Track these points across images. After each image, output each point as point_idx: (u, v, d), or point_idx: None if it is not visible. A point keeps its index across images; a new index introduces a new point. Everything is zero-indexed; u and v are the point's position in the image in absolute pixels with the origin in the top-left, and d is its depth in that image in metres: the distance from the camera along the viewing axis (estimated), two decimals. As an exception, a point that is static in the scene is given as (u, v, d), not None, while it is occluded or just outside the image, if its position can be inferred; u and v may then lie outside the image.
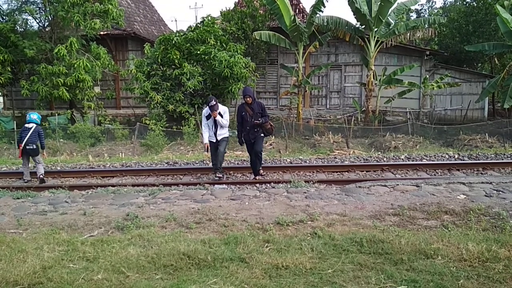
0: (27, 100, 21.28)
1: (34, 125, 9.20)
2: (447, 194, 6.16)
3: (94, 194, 6.84)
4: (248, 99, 7.98)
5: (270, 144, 15.10)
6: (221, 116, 8.11)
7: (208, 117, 8.21)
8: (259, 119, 7.99)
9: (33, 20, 17.56)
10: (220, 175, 8.23)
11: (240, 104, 8.38)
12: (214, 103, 7.93)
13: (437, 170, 8.84)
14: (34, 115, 9.43)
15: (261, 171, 8.58)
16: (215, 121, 8.13)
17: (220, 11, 19.77)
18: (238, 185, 7.43)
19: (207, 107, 8.14)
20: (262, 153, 8.66)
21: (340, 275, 3.67)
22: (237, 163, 10.24)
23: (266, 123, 8.11)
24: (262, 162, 8.83)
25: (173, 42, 15.44)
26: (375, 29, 17.21)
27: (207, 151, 8.53)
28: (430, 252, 4.03)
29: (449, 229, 4.69)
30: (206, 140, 8.30)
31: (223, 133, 8.27)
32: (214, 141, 8.25)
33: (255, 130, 8.08)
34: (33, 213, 5.85)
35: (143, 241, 4.54)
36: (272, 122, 8.35)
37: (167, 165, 10.14)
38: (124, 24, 18.03)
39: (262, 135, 8.19)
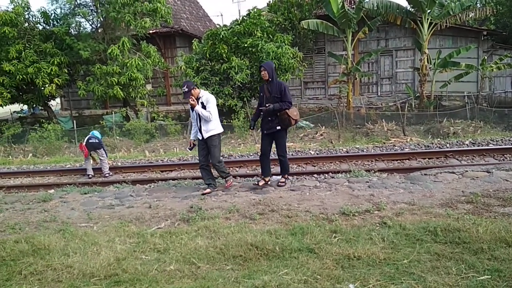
0: (83, 100, 22.23)
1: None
2: (521, 179, 5.79)
3: (157, 188, 7.03)
4: (263, 72, 6.19)
5: (321, 134, 14.91)
6: (204, 107, 6.28)
7: (192, 108, 6.42)
8: (268, 105, 6.10)
9: (86, 22, 18.27)
10: (209, 190, 6.44)
11: (262, 84, 6.73)
12: (186, 89, 6.18)
13: (505, 155, 8.35)
14: (97, 133, 10.18)
15: (283, 180, 6.58)
16: (198, 113, 6.31)
17: (267, 2, 19.67)
18: (296, 176, 7.36)
19: None
20: (286, 154, 6.66)
21: (417, 265, 3.51)
22: (292, 154, 10.15)
23: (282, 110, 6.13)
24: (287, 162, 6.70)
25: (221, 36, 15.53)
26: (428, 11, 16.45)
27: (190, 149, 6.95)
28: (512, 240, 3.79)
29: (530, 216, 4.39)
30: (191, 137, 6.76)
31: (210, 129, 6.32)
32: (201, 138, 6.43)
33: (269, 119, 6.26)
34: (101, 207, 6.07)
35: (209, 232, 4.57)
36: (290, 112, 6.21)
37: (222, 158, 10.24)
38: (172, 21, 18.35)
39: (279, 127, 6.23)
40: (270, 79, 6.20)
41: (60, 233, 4.86)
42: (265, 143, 6.51)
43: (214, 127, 6.36)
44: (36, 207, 6.23)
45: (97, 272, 3.75)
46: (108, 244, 4.41)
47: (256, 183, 6.62)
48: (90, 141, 9.60)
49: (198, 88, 6.46)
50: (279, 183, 6.51)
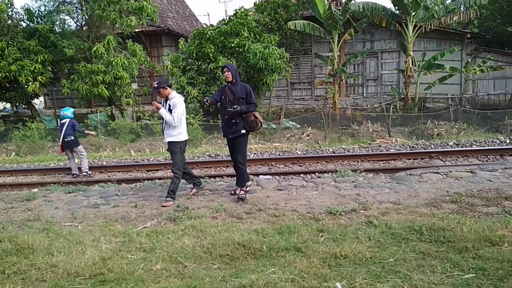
0: (67, 99, 21.88)
1: (68, 120, 9.45)
2: (504, 180, 5.90)
3: (143, 187, 6.96)
4: (226, 73, 5.85)
5: (307, 135, 14.96)
6: (170, 110, 5.91)
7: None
8: (235, 106, 5.75)
9: (71, 20, 17.92)
10: (195, 190, 6.34)
11: (222, 86, 6.46)
12: (156, 85, 5.88)
13: (488, 156, 8.50)
14: (67, 111, 9.65)
15: (242, 192, 5.95)
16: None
17: (254, 2, 19.66)
18: (283, 176, 7.37)
19: None
20: (246, 162, 6.18)
21: (403, 264, 3.55)
22: (278, 154, 10.17)
23: (249, 113, 5.87)
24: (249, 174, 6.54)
25: (207, 36, 15.47)
26: (413, 13, 16.64)
27: None
28: (495, 239, 3.86)
29: (512, 215, 4.47)
30: None
31: (171, 134, 5.94)
32: (165, 141, 6.12)
33: (233, 122, 5.88)
34: (86, 206, 5.98)
35: (196, 231, 4.55)
36: (257, 114, 5.97)
37: (209, 158, 10.22)
38: (158, 20, 18.19)
39: (244, 131, 5.90)
40: (233, 81, 5.90)
41: (44, 232, 4.79)
42: (231, 149, 6.16)
43: (176, 133, 5.95)
44: (20, 206, 6.12)
45: (82, 272, 3.71)
46: (93, 244, 4.35)
47: (233, 192, 6.14)
48: (66, 139, 9.22)
49: (170, 88, 6.02)
50: (240, 196, 5.86)
